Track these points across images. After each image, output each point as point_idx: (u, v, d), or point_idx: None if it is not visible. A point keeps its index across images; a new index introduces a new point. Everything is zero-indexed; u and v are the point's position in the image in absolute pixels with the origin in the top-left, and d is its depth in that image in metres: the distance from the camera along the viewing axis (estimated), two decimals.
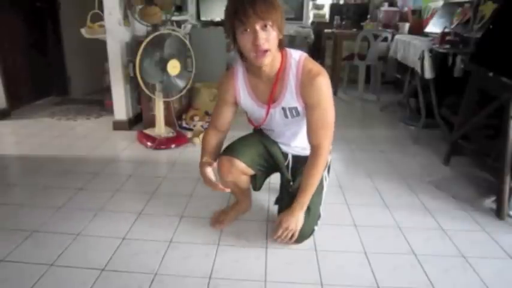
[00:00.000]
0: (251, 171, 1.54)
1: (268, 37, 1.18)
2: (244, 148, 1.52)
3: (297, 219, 1.43)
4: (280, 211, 1.57)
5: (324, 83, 1.30)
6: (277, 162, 1.57)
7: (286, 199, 1.53)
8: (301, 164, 1.51)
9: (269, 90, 1.37)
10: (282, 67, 1.32)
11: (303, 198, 1.42)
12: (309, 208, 1.47)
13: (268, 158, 1.57)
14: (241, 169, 1.50)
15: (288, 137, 1.54)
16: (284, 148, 1.59)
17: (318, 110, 1.32)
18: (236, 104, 1.46)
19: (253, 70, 1.36)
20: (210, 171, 1.40)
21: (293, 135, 1.53)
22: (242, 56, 1.29)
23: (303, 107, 1.37)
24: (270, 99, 1.38)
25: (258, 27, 1.15)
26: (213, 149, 1.50)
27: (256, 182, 1.61)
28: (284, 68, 1.32)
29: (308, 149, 1.44)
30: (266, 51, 1.19)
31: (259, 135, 1.59)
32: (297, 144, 1.56)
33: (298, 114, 1.40)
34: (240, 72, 1.41)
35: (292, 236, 1.46)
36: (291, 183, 1.56)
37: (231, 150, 1.52)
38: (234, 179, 1.52)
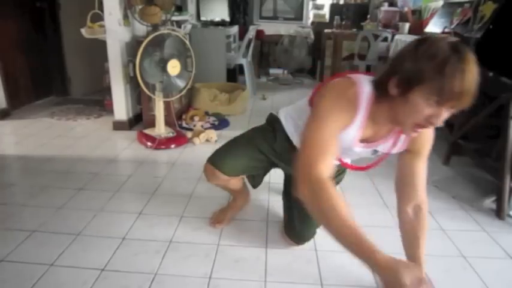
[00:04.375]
0: (239, 177, 1.50)
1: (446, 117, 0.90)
2: (228, 159, 1.40)
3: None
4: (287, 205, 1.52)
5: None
6: (276, 161, 1.44)
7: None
8: None
9: (385, 132, 1.08)
10: None
11: (422, 254, 1.19)
12: None
13: (264, 157, 1.45)
14: (226, 179, 1.43)
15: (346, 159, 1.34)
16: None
17: (425, 159, 1.14)
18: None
19: (377, 117, 1.01)
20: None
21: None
22: (381, 88, 0.95)
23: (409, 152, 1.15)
24: (373, 141, 1.11)
25: (450, 109, 0.88)
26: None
27: (254, 180, 1.59)
28: None
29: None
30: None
31: (254, 133, 1.47)
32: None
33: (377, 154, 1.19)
34: (366, 102, 0.98)
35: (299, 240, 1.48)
36: None
37: (215, 159, 1.42)
38: (222, 183, 1.49)
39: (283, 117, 1.41)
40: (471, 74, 0.82)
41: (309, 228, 1.47)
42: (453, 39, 0.87)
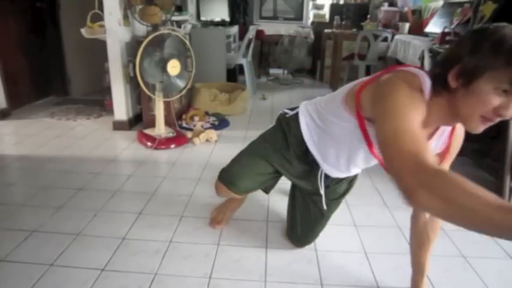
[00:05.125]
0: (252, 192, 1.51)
1: None
2: (241, 182, 1.38)
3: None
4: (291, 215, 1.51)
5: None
6: (285, 173, 1.39)
7: (301, 201, 1.46)
8: (333, 181, 1.35)
9: (427, 131, 0.98)
10: None
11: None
12: (322, 214, 1.42)
13: (276, 170, 1.39)
14: (239, 197, 1.50)
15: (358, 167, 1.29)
16: (329, 170, 1.30)
17: (450, 163, 1.08)
18: None
19: (438, 105, 0.90)
20: None
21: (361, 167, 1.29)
22: (439, 81, 0.88)
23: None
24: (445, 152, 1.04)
25: None
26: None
27: (266, 188, 1.61)
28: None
29: (351, 171, 1.29)
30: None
31: (264, 144, 1.39)
32: (353, 171, 1.33)
33: None
34: (428, 94, 0.89)
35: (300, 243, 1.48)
36: (321, 191, 1.36)
37: (228, 179, 1.40)
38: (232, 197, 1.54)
39: (303, 116, 1.28)
40: None
41: (312, 233, 1.47)
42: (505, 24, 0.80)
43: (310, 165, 1.32)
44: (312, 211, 1.43)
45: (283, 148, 1.33)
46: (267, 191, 1.63)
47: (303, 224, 1.46)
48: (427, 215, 1.14)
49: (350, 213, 1.77)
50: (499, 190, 1.77)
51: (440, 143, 1.04)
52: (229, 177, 1.40)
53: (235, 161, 1.43)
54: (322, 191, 1.36)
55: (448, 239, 1.58)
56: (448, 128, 1.01)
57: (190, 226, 1.64)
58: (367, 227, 1.66)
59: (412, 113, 0.82)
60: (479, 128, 0.85)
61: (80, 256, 1.40)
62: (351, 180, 1.44)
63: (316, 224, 1.45)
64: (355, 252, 1.48)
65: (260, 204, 1.82)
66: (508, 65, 0.75)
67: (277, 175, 1.43)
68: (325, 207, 1.39)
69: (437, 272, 1.36)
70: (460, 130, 1.03)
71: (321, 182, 1.34)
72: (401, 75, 0.92)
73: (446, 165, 1.07)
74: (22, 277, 1.28)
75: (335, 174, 1.32)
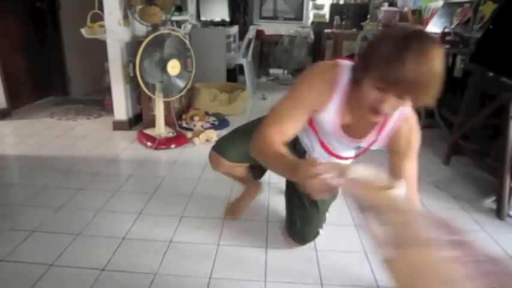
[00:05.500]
0: (243, 164, 1.52)
1: (397, 106, 0.91)
2: (231, 145, 1.45)
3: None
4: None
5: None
6: None
7: (296, 201, 1.49)
8: None
9: (364, 128, 1.11)
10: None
11: None
12: (317, 206, 1.45)
13: None
14: (229, 165, 1.47)
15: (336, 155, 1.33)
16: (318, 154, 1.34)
17: (412, 158, 1.15)
18: (312, 113, 1.11)
19: (352, 103, 1.05)
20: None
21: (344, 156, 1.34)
22: (356, 73, 0.99)
23: (389, 150, 1.17)
24: (360, 136, 1.14)
25: (395, 97, 0.88)
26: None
27: (253, 171, 1.61)
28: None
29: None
30: (385, 115, 0.98)
31: (257, 122, 1.46)
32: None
33: (362, 149, 1.22)
34: (343, 86, 1.04)
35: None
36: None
37: (219, 146, 1.47)
38: (227, 170, 1.52)
39: None
40: (413, 64, 0.80)
41: (311, 227, 1.47)
42: (418, 27, 0.87)
43: (300, 154, 1.38)
44: (307, 207, 1.46)
45: None
46: (255, 176, 1.64)
47: (301, 220, 1.47)
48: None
49: (350, 213, 1.77)
50: (499, 190, 1.77)
51: (380, 140, 1.13)
52: (219, 144, 1.48)
53: (231, 132, 1.53)
54: None
55: None
56: (391, 125, 1.09)
57: (190, 226, 1.64)
58: None
59: (298, 96, 1.07)
60: (372, 118, 0.96)
61: (80, 256, 1.40)
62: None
63: (313, 218, 1.47)
64: (355, 252, 1.48)
65: (260, 204, 1.82)
66: (378, 64, 0.85)
67: None
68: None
69: None
70: (405, 128, 1.09)
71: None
72: (321, 64, 1.11)
73: (407, 162, 1.14)
74: (22, 277, 1.28)
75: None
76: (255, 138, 1.06)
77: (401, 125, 1.09)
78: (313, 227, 1.48)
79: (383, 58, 0.83)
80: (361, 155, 1.30)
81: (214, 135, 2.73)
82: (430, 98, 0.87)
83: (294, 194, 1.51)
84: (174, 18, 3.09)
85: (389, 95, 0.87)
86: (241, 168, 1.54)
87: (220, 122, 3.16)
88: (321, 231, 1.52)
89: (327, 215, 1.54)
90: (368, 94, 0.91)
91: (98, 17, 2.69)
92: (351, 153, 1.31)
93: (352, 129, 1.13)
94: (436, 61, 0.82)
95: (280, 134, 1.04)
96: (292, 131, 1.08)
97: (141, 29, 2.93)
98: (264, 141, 1.02)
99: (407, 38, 0.82)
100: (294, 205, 1.48)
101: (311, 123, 1.21)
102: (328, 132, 1.18)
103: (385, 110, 0.90)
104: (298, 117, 1.07)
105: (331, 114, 1.09)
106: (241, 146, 1.41)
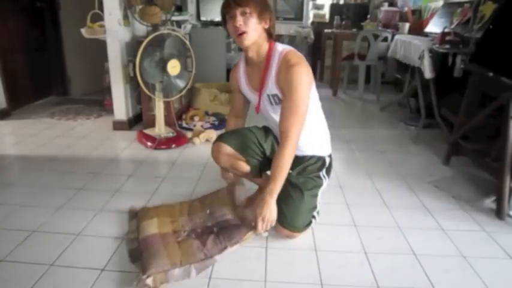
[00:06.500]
0: (242, 157, 1.61)
1: (246, 22, 1.35)
2: (231, 135, 1.64)
3: (270, 207, 1.42)
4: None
5: (299, 72, 1.37)
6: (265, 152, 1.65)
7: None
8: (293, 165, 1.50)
9: (259, 77, 1.49)
10: (268, 56, 1.44)
11: (272, 185, 1.41)
12: (300, 190, 1.52)
13: (258, 145, 1.63)
14: (229, 153, 1.59)
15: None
16: None
17: (291, 97, 1.38)
18: (241, 92, 1.63)
19: (247, 59, 1.52)
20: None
21: None
22: (226, 31, 1.48)
23: (281, 94, 1.44)
24: (261, 86, 1.49)
25: (237, 12, 1.35)
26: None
27: (253, 167, 1.65)
28: (270, 57, 1.44)
29: (301, 149, 1.55)
30: (243, 33, 1.36)
31: (255, 127, 1.71)
32: None
33: (280, 101, 1.46)
34: (241, 61, 1.59)
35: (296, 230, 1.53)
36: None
37: (220, 137, 1.66)
38: (229, 163, 1.62)
39: None
40: None
41: (298, 213, 1.51)
42: None
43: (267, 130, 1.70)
44: (291, 194, 1.53)
45: (263, 135, 1.67)
46: (253, 171, 1.67)
47: (288, 208, 1.51)
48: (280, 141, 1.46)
49: (350, 213, 1.77)
50: (499, 190, 1.77)
51: (269, 82, 1.46)
52: (220, 136, 1.68)
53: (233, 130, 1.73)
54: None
55: (448, 239, 1.58)
56: (273, 71, 1.43)
57: None
58: (367, 227, 1.66)
59: (231, 87, 1.71)
60: (239, 41, 1.40)
61: (80, 256, 1.40)
62: (309, 159, 1.61)
63: (299, 203, 1.51)
64: (355, 252, 1.48)
65: None
66: (223, 6, 1.41)
67: (257, 152, 1.64)
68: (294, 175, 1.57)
69: (437, 272, 1.36)
70: (284, 66, 1.39)
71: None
72: None
73: (285, 101, 1.41)
74: (22, 277, 1.28)
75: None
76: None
77: (281, 65, 1.41)
78: (301, 212, 1.51)
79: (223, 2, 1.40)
80: (279, 112, 1.47)
81: (214, 135, 2.73)
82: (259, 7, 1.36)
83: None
84: (174, 18, 3.09)
85: (234, 14, 1.35)
86: (242, 162, 1.62)
87: (220, 122, 3.16)
88: (314, 220, 1.56)
89: (318, 204, 1.58)
90: (229, 26, 1.40)
91: (98, 17, 2.70)
92: (274, 109, 1.51)
93: (254, 81, 1.52)
94: None
95: (233, 114, 1.74)
96: (239, 110, 1.70)
97: (141, 29, 2.93)
98: (226, 120, 1.68)
99: None
100: (280, 198, 1.49)
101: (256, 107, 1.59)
102: (251, 98, 1.60)
103: (237, 23, 1.35)
104: (237, 99, 1.68)
105: (243, 82, 1.58)
106: (241, 136, 1.64)
